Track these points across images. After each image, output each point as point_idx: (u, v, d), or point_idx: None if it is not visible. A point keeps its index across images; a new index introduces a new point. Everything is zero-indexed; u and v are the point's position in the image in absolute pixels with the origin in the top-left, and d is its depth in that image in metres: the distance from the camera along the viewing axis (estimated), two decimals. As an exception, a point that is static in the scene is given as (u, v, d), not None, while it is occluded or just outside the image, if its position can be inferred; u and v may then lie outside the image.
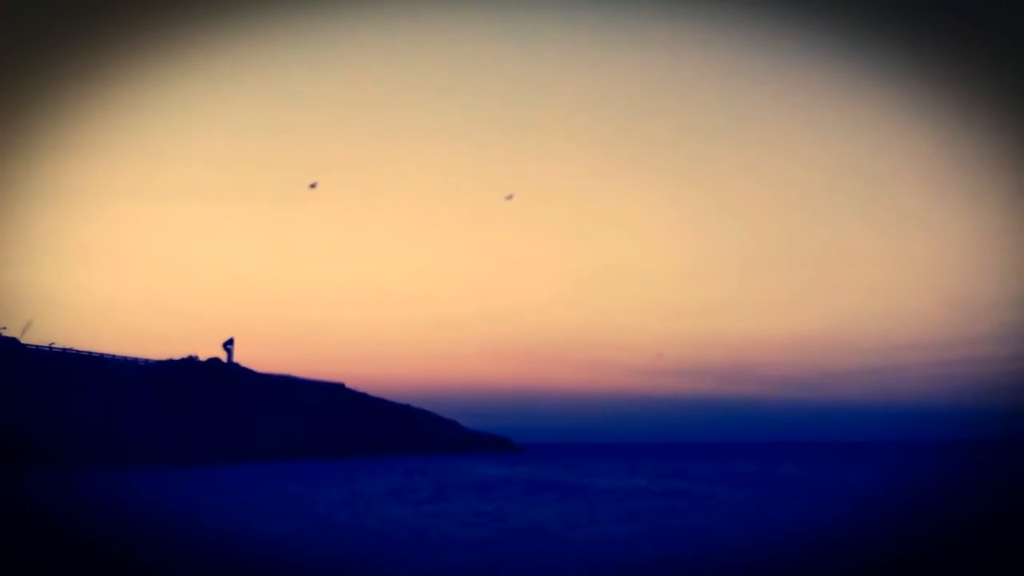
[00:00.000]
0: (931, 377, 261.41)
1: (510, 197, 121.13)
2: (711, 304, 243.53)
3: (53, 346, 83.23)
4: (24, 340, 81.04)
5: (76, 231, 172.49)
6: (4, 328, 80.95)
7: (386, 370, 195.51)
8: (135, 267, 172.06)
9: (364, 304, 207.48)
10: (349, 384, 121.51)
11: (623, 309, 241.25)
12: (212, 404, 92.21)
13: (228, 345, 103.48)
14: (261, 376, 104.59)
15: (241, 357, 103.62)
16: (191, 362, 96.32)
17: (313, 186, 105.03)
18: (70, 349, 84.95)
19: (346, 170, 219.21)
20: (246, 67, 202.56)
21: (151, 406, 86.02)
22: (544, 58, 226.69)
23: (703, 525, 29.37)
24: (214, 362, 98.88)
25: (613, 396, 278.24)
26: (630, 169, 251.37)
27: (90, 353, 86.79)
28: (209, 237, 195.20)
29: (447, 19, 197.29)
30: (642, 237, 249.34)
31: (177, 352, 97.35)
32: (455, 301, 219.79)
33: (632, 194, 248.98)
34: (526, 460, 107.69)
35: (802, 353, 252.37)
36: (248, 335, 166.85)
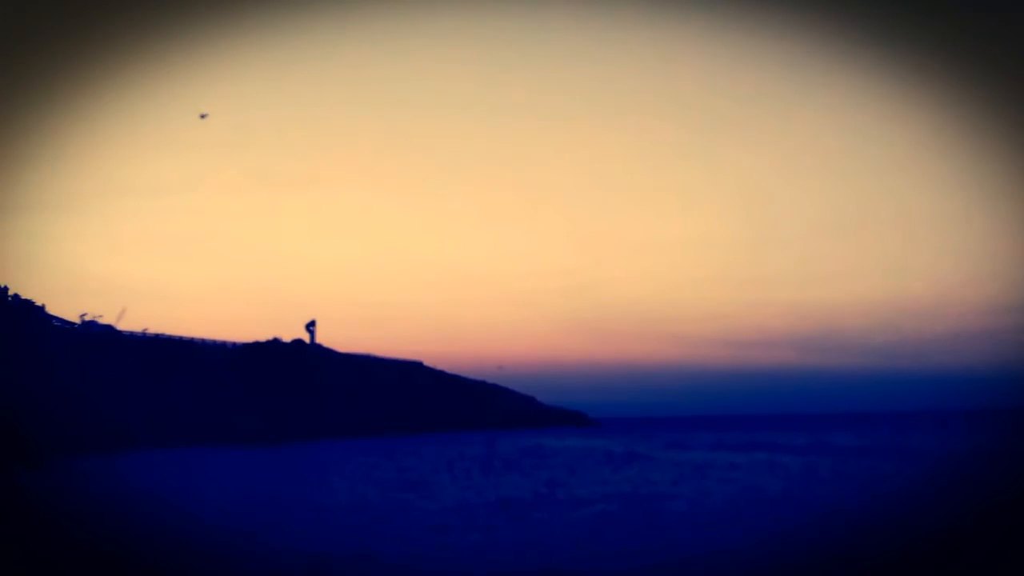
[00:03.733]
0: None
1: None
2: (785, 273, 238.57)
3: (147, 332, 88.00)
4: (120, 327, 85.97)
5: (165, 222, 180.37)
6: (100, 316, 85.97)
7: (463, 348, 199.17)
8: (222, 254, 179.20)
9: (441, 284, 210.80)
10: (427, 362, 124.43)
11: (698, 280, 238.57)
12: (296, 384, 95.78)
13: (310, 327, 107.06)
14: (342, 356, 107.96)
15: (323, 338, 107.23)
16: (276, 344, 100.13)
17: (203, 116, 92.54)
18: (162, 335, 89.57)
19: (421, 151, 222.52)
20: (314, 45, 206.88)
21: (239, 387, 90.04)
22: (609, 40, 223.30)
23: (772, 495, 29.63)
24: (298, 343, 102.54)
25: (689, 369, 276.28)
26: (698, 139, 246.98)
27: (181, 338, 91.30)
28: (291, 222, 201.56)
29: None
30: (714, 206, 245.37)
31: (262, 335, 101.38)
32: (530, 278, 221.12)
33: (700, 164, 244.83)
34: (601, 433, 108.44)
35: (888, 320, 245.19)
36: (330, 317, 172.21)
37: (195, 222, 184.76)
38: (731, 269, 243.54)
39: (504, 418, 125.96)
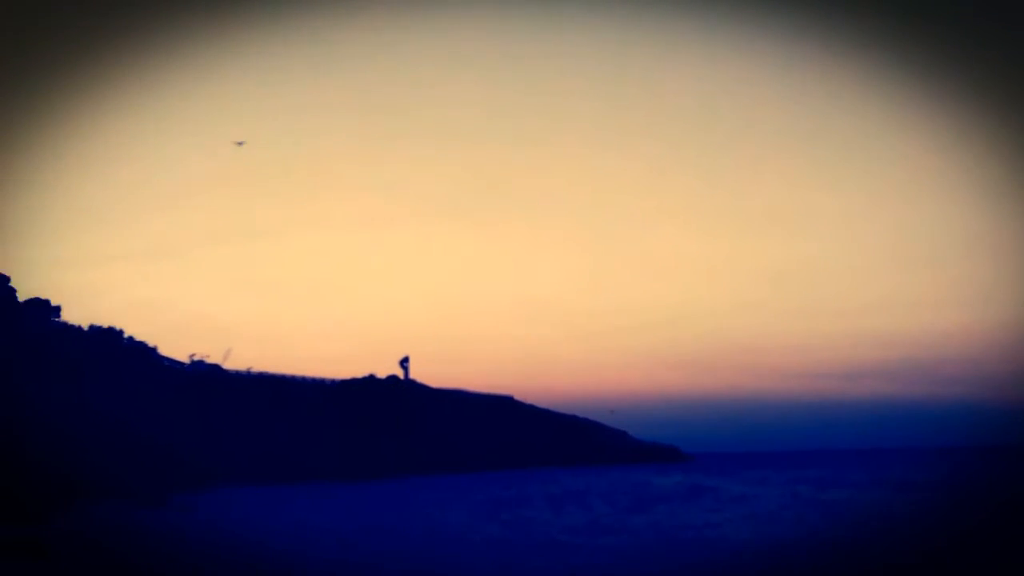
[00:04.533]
0: None
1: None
2: (875, 303, 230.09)
3: (250, 371, 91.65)
4: (225, 367, 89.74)
5: (265, 264, 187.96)
6: (207, 356, 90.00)
7: (554, 382, 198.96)
8: (320, 294, 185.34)
9: (532, 318, 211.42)
10: (518, 397, 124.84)
11: (791, 311, 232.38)
12: (391, 420, 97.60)
13: (404, 363, 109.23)
14: (435, 391, 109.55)
15: (417, 373, 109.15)
16: (371, 381, 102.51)
17: (240, 144, 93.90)
18: (265, 373, 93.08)
19: (510, 186, 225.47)
20: (390, 87, 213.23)
21: (337, 424, 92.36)
22: (673, 69, 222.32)
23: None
24: (392, 380, 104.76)
25: (784, 401, 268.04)
26: (787, 163, 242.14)
27: (283, 376, 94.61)
28: (386, 260, 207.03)
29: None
30: (805, 234, 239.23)
31: (359, 371, 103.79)
32: (620, 311, 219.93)
33: (790, 189, 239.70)
34: (694, 468, 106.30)
35: (979, 350, 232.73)
36: (423, 352, 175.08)
37: (293, 264, 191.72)
38: (822, 300, 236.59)
39: (597, 453, 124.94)
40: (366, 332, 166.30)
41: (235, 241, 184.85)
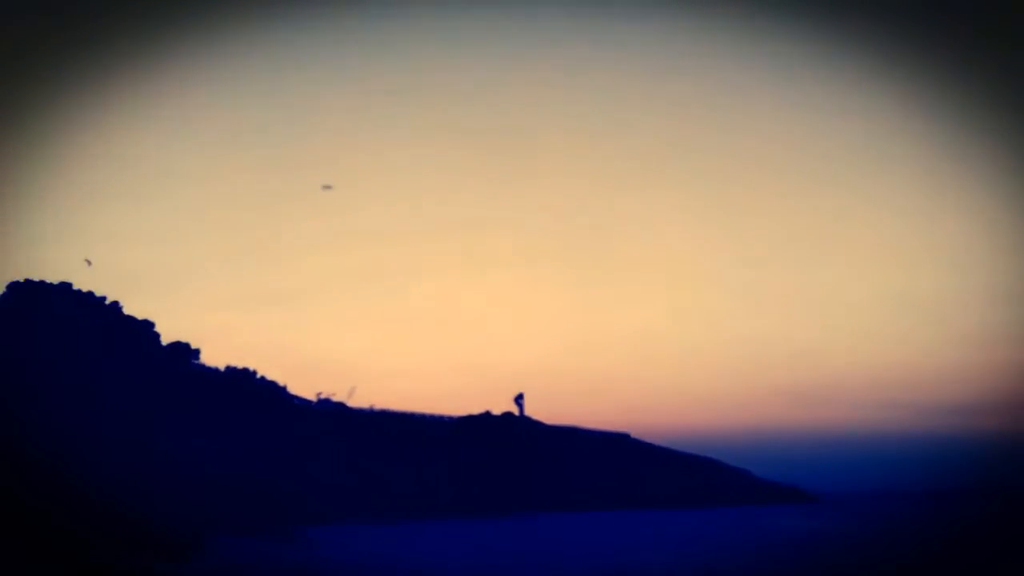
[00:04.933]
0: None
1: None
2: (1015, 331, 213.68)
3: (373, 408, 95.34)
4: (350, 404, 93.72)
5: (387, 305, 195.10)
6: (333, 394, 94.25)
7: (671, 418, 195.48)
8: (439, 332, 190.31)
9: (647, 353, 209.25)
10: (634, 434, 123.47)
11: (921, 341, 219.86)
12: (506, 457, 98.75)
13: (519, 400, 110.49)
14: (549, 428, 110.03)
15: (531, 410, 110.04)
16: (487, 417, 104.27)
17: (327, 188, 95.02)
18: (388, 410, 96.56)
19: (620, 221, 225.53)
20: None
21: (456, 461, 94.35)
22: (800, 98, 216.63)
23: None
24: (507, 416, 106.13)
25: (918, 437, 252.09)
26: (897, 190, 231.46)
27: (403, 413, 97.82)
28: (502, 298, 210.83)
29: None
30: (937, 262, 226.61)
31: (476, 408, 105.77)
32: (738, 345, 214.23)
33: (912, 217, 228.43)
34: (821, 512, 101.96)
35: None
36: (538, 389, 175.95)
37: (414, 303, 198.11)
38: (957, 328, 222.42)
39: (716, 493, 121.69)
40: (483, 369, 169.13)
41: (358, 283, 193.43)
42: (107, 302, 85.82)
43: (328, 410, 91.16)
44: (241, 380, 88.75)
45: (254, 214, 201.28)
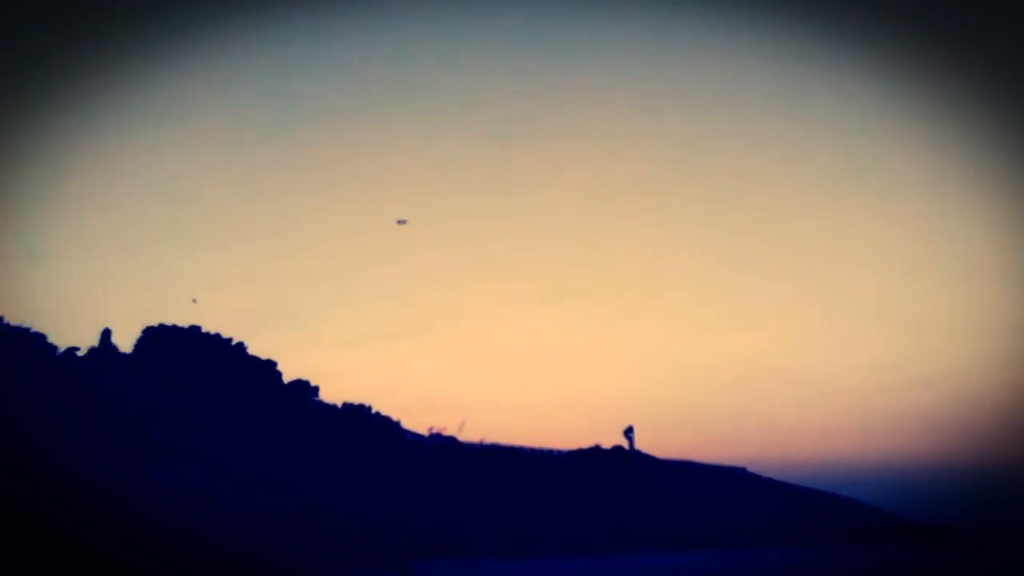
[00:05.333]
0: None
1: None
2: None
3: (483, 442, 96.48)
4: (460, 438, 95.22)
5: (496, 339, 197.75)
6: (444, 428, 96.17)
7: (790, 450, 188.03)
8: (547, 364, 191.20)
9: (764, 382, 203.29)
10: (751, 467, 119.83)
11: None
12: (617, 492, 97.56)
13: (628, 433, 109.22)
14: (661, 462, 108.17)
15: (642, 443, 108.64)
16: (597, 451, 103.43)
17: (402, 223, 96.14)
18: (497, 444, 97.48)
19: (732, 246, 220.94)
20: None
21: (565, 495, 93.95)
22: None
23: None
24: (617, 450, 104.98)
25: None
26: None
27: (513, 447, 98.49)
28: (610, 328, 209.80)
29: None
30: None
31: (585, 441, 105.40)
32: (862, 372, 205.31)
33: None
34: (954, 550, 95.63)
35: None
36: (648, 421, 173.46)
37: (520, 336, 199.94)
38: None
39: (839, 529, 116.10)
40: (592, 401, 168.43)
41: (467, 318, 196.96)
42: (233, 343, 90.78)
43: (439, 444, 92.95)
44: (357, 416, 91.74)
45: (363, 253, 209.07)
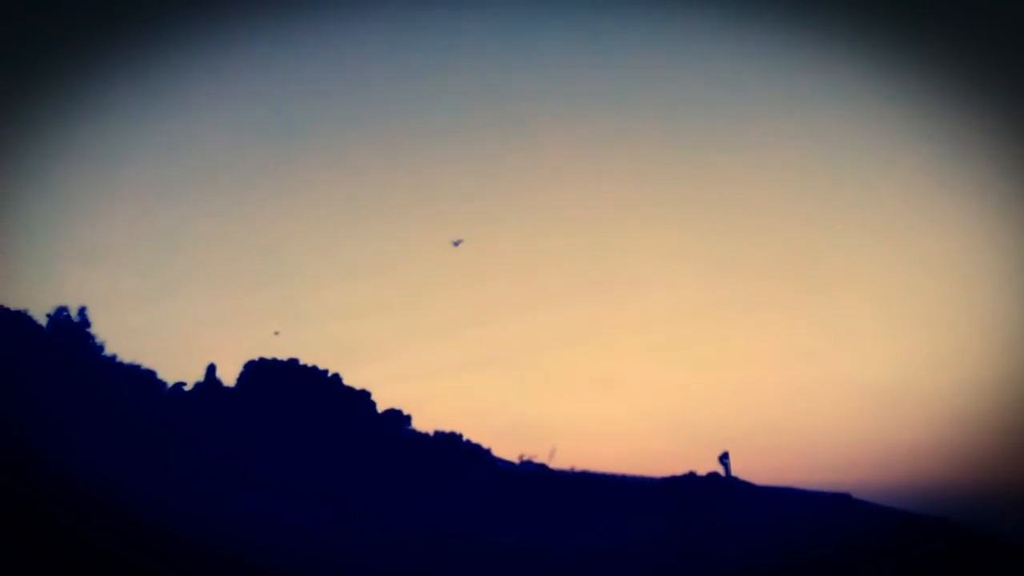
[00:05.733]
0: None
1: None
2: None
3: (574, 469, 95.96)
4: (551, 465, 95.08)
5: (587, 364, 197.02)
6: (535, 456, 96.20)
7: (897, 475, 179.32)
8: (640, 389, 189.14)
9: (868, 403, 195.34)
10: (857, 493, 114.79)
11: None
12: (712, 520, 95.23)
13: (724, 459, 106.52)
14: (759, 489, 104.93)
15: (739, 469, 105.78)
16: (691, 478, 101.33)
17: (457, 243, 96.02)
18: (588, 471, 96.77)
19: (829, 262, 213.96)
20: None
21: (658, 524, 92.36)
22: None
23: None
24: (712, 476, 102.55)
25: None
26: None
27: (604, 474, 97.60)
28: (702, 350, 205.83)
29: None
30: None
31: (679, 468, 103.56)
32: (973, 391, 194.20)
33: None
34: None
35: None
36: (744, 446, 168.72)
37: (609, 360, 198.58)
38: None
39: (958, 559, 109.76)
40: (685, 426, 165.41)
41: (556, 344, 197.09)
42: (329, 375, 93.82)
43: (530, 472, 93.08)
44: (448, 444, 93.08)
45: (452, 281, 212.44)
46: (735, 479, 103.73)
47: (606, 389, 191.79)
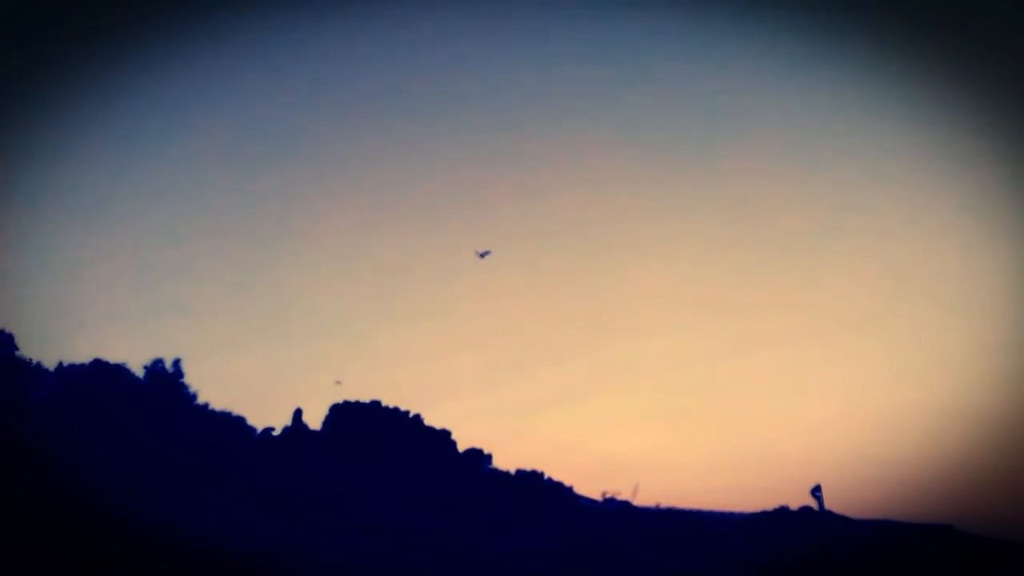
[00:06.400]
0: None
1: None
2: None
3: (659, 506, 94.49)
4: (634, 502, 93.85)
5: (669, 396, 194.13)
6: (618, 492, 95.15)
7: (1007, 506, 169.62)
8: (726, 420, 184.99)
9: (970, 431, 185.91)
10: (959, 525, 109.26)
11: None
12: (808, 556, 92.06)
13: (816, 492, 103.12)
14: (855, 522, 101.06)
15: (833, 503, 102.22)
16: (783, 512, 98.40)
17: (483, 255, 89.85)
18: (674, 507, 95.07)
19: (919, 287, 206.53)
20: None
21: (750, 561, 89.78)
22: None
23: None
24: (805, 510, 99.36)
25: None
26: None
27: (690, 510, 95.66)
28: (787, 380, 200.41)
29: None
30: None
31: (769, 503, 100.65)
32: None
33: None
34: None
35: None
36: (838, 478, 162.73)
37: (692, 392, 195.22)
38: None
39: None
40: (774, 459, 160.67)
41: (635, 376, 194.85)
42: (410, 415, 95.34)
43: (614, 509, 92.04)
44: (530, 482, 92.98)
45: (526, 318, 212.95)
46: (830, 512, 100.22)
47: (685, 421, 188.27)
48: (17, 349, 79.63)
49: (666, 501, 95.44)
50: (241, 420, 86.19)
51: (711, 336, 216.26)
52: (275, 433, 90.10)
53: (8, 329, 79.07)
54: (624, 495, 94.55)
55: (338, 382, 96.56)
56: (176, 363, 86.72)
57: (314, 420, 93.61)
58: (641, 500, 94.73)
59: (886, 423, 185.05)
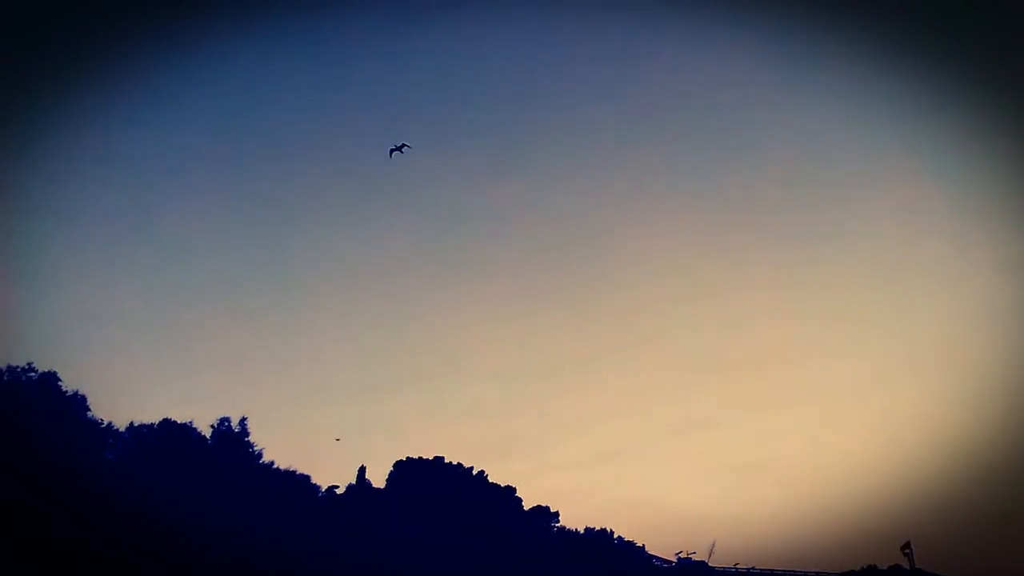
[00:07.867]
0: None
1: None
2: None
3: (738, 567, 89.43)
4: (711, 563, 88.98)
5: (744, 448, 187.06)
6: (694, 553, 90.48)
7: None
8: (806, 473, 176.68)
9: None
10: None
11: None
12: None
13: (907, 549, 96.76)
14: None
15: (924, 560, 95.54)
16: (872, 572, 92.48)
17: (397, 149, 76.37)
18: (754, 569, 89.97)
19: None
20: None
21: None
22: None
23: None
24: (895, 569, 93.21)
25: None
26: None
27: (772, 571, 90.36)
28: (868, 429, 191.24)
29: None
30: None
31: (856, 562, 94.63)
32: None
33: None
34: None
35: None
36: (929, 533, 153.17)
37: (772, 443, 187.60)
38: None
39: None
40: (860, 514, 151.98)
41: (708, 427, 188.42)
42: (474, 472, 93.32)
43: (688, 569, 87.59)
44: (599, 541, 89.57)
45: (587, 370, 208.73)
46: (921, 571, 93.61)
47: (769, 474, 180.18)
48: (89, 411, 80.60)
49: (745, 561, 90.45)
50: (306, 478, 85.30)
51: (783, 382, 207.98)
52: (339, 491, 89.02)
53: (81, 391, 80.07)
54: (700, 555, 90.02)
55: (337, 439, 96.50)
56: (242, 421, 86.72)
57: (378, 477, 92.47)
58: (718, 560, 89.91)
59: (978, 468, 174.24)
